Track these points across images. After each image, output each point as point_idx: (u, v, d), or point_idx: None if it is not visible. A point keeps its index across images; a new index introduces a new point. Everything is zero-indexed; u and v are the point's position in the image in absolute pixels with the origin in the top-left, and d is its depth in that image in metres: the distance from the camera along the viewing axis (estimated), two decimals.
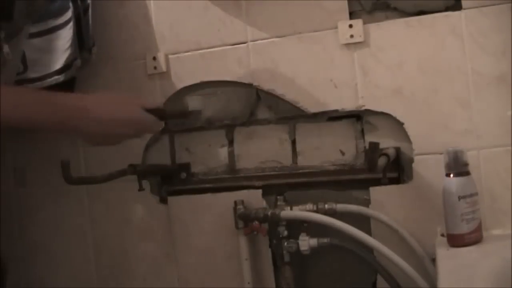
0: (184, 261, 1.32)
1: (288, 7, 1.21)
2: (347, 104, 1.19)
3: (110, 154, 1.32)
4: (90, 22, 1.29)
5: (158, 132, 1.23)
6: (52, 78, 1.26)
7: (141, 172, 1.23)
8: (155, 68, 1.31)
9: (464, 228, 0.99)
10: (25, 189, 1.45)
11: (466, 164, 1.01)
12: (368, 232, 1.14)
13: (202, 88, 1.28)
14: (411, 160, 1.15)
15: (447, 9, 1.12)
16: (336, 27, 1.18)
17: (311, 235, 1.16)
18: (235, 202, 1.22)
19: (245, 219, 1.20)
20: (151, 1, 1.32)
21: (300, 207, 1.17)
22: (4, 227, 1.37)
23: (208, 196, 1.29)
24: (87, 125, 1.02)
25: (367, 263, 1.15)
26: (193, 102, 1.17)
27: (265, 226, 1.19)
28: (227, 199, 1.24)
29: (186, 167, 1.32)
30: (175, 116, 1.21)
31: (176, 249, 1.32)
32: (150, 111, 1.08)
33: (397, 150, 1.15)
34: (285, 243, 1.17)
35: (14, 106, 0.96)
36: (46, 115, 1.00)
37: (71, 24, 1.25)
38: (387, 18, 1.17)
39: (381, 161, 1.07)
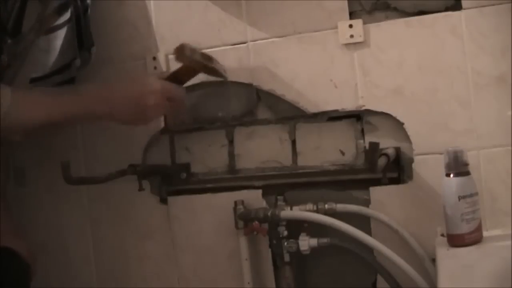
0: (184, 261, 1.32)
1: (288, 7, 1.21)
2: (347, 104, 1.19)
3: (110, 154, 1.32)
4: (90, 22, 1.29)
5: (183, 100, 1.18)
6: (52, 78, 1.26)
7: (141, 172, 1.23)
8: (155, 68, 1.31)
9: (464, 228, 1.00)
10: (24, 189, 1.45)
11: (466, 164, 1.01)
12: (368, 232, 1.14)
13: (202, 88, 1.28)
14: (411, 160, 1.15)
15: (447, 9, 1.12)
16: (336, 27, 1.18)
17: (311, 235, 1.16)
18: (235, 202, 1.22)
19: (245, 219, 1.20)
20: (151, 1, 1.32)
21: (300, 207, 1.17)
22: None
23: (208, 196, 1.29)
24: (115, 109, 1.09)
25: (367, 263, 1.15)
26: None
27: (265, 226, 1.19)
28: (227, 199, 1.24)
29: (186, 167, 1.32)
30: (189, 73, 1.16)
31: (176, 249, 1.32)
32: (166, 79, 1.13)
33: (397, 150, 1.15)
34: (285, 243, 1.17)
35: (48, 108, 1.05)
36: (75, 111, 1.07)
37: (71, 24, 1.25)
38: (387, 18, 1.17)
39: (381, 161, 1.07)
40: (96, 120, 1.17)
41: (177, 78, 1.15)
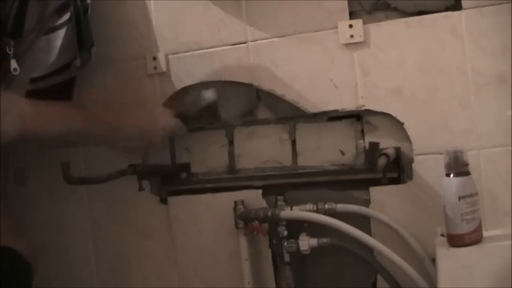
0: (184, 261, 1.32)
1: (288, 7, 1.21)
2: (347, 104, 1.19)
3: (110, 154, 1.32)
4: (90, 22, 1.29)
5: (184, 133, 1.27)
6: (52, 78, 1.26)
7: (141, 172, 1.23)
8: (155, 68, 1.31)
9: (464, 228, 1.00)
10: (25, 189, 1.45)
11: (466, 164, 1.01)
12: (368, 232, 1.14)
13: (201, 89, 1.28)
14: (411, 160, 1.15)
15: (447, 9, 1.12)
16: (336, 27, 1.18)
17: (311, 235, 1.16)
18: (235, 202, 1.22)
19: (245, 219, 1.20)
20: (151, 1, 1.32)
21: (300, 207, 1.17)
22: None
23: (208, 196, 1.29)
24: (121, 137, 1.15)
25: (367, 263, 1.15)
26: (208, 94, 1.24)
27: (265, 226, 1.19)
28: (227, 199, 1.24)
29: (186, 167, 1.32)
30: (196, 117, 1.25)
31: (176, 249, 1.32)
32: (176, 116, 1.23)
33: (397, 150, 1.15)
34: (285, 243, 1.17)
35: (60, 124, 1.07)
36: (83, 130, 1.10)
37: (71, 24, 1.25)
38: (387, 18, 1.17)
39: (381, 161, 1.07)
40: (97, 143, 1.22)
41: (184, 118, 1.24)
